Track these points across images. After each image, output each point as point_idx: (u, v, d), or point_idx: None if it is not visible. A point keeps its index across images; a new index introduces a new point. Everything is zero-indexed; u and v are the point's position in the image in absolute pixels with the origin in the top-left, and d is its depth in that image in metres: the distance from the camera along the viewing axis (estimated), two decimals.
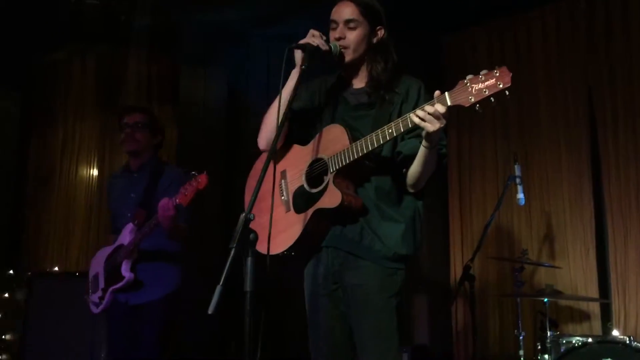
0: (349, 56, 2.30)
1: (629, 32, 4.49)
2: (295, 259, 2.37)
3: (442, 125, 2.00)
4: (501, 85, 1.88)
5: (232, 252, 1.75)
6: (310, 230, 2.23)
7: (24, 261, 5.62)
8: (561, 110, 4.78)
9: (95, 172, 5.74)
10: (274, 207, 2.28)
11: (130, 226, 3.22)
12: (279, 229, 2.27)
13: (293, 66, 2.26)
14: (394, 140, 2.23)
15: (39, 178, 5.85)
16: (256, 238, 1.82)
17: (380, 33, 2.34)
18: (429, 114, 1.99)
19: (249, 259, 1.79)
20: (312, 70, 2.24)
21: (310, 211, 2.22)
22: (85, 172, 5.74)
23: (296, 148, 2.40)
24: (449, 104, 1.98)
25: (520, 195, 3.91)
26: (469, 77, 1.94)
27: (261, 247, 2.06)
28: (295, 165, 2.34)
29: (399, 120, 2.07)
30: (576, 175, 4.64)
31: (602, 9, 4.64)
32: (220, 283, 1.71)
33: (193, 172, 2.90)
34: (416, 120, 2.01)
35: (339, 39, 2.28)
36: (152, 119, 3.49)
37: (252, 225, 1.82)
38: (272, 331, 2.16)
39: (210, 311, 1.69)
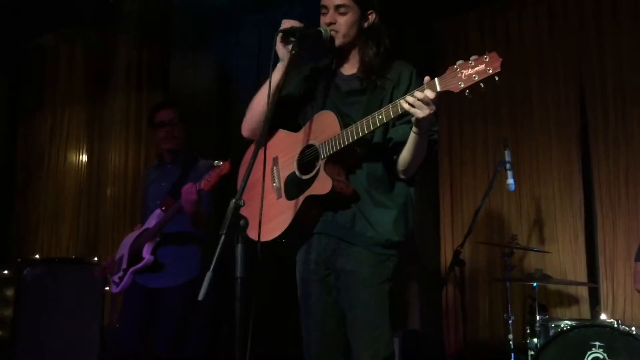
0: (339, 40, 2.28)
1: (620, 19, 4.50)
2: (288, 245, 2.37)
3: (431, 112, 1.99)
4: (491, 71, 1.88)
5: (222, 238, 1.75)
6: (301, 217, 2.23)
7: (13, 248, 5.60)
8: (552, 96, 4.79)
9: (84, 158, 5.71)
10: (266, 194, 2.28)
11: (157, 212, 3.30)
12: (271, 216, 2.26)
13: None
14: (386, 127, 2.23)
15: (28, 164, 5.81)
16: (246, 224, 1.82)
17: (372, 17, 2.32)
18: (418, 99, 1.98)
19: (239, 245, 1.80)
20: (304, 55, 2.23)
21: (301, 198, 2.21)
22: (74, 158, 5.71)
23: (287, 134, 2.39)
24: (438, 89, 1.97)
25: (510, 181, 3.93)
26: (459, 62, 1.94)
27: (253, 234, 2.08)
28: (287, 151, 2.33)
29: (389, 106, 2.06)
30: (566, 161, 4.66)
31: None
32: (210, 269, 1.71)
33: (217, 162, 3.01)
34: (406, 106, 2.00)
35: (329, 24, 2.27)
36: (181, 111, 3.56)
37: (244, 213, 1.82)
38: (264, 317, 2.16)
39: (200, 297, 1.70)
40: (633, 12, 4.44)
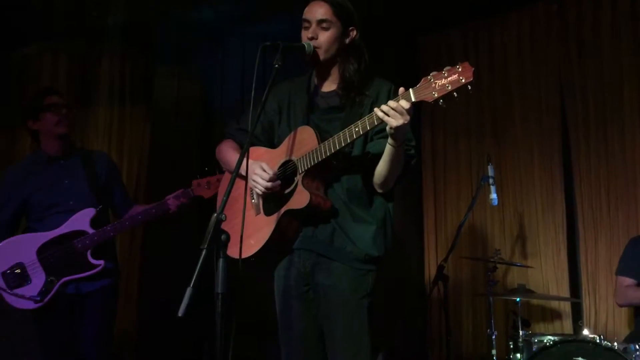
0: (321, 56, 2.29)
1: (601, 37, 4.56)
2: (269, 261, 2.35)
3: (405, 122, 2.01)
4: (463, 80, 1.91)
5: (203, 253, 1.73)
6: (280, 232, 2.22)
7: None
8: (534, 111, 4.83)
9: None
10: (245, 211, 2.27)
11: (89, 212, 3.13)
12: (250, 233, 2.26)
13: (267, 64, 2.24)
14: (364, 142, 2.24)
15: None
16: (228, 239, 1.81)
17: (353, 34, 2.34)
18: (392, 108, 2.00)
19: (221, 260, 1.78)
20: (286, 69, 2.23)
21: (279, 212, 2.21)
22: None
23: (266, 151, 2.40)
24: (413, 100, 2.00)
25: (494, 196, 3.96)
26: (433, 73, 1.98)
27: (231, 251, 2.06)
28: None
29: (365, 117, 2.08)
30: (548, 176, 4.69)
31: (574, 12, 4.70)
32: (191, 285, 1.69)
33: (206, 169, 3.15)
34: (380, 114, 2.02)
35: (311, 38, 2.28)
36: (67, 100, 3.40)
37: (224, 229, 1.81)
38: (245, 333, 2.13)
39: (180, 313, 1.67)
40: (614, 29, 4.50)
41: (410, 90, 2.01)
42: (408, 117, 2.01)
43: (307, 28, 2.30)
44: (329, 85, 2.37)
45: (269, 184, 2.21)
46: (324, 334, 2.23)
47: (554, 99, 4.75)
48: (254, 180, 2.24)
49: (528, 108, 4.86)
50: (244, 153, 2.01)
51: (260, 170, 2.23)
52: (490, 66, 5.08)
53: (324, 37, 2.28)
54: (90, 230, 3.11)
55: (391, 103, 2.01)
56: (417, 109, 2.20)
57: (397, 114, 2.00)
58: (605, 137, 4.47)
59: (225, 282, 1.77)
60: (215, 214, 1.81)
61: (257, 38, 4.99)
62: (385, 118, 2.01)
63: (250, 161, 2.29)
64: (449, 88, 1.92)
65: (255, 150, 2.38)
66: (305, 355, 2.26)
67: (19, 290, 3.08)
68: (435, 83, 1.95)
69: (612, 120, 4.46)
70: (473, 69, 1.91)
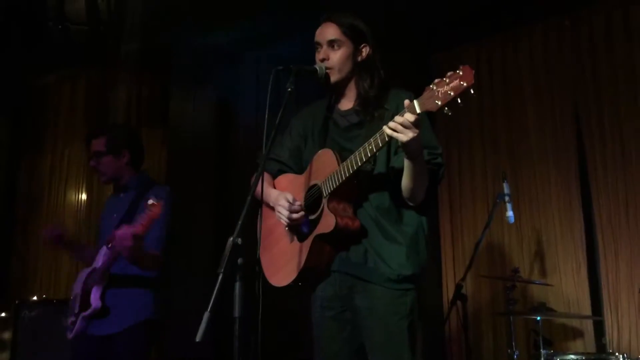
0: (334, 76, 2.31)
1: (614, 51, 4.54)
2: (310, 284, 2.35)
3: (415, 134, 1.95)
4: (465, 84, 1.84)
5: (220, 277, 1.73)
6: (314, 257, 2.22)
7: (12, 288, 5.56)
8: (549, 127, 4.81)
9: (84, 196, 5.71)
10: (279, 239, 2.30)
11: (104, 249, 3.07)
12: (286, 260, 2.28)
13: (281, 88, 2.26)
14: (387, 157, 2.23)
15: (28, 202, 5.81)
16: (244, 262, 1.81)
17: (366, 51, 2.35)
18: (399, 124, 1.96)
19: (237, 284, 1.78)
20: (303, 93, 2.26)
21: (310, 238, 2.21)
22: (74, 196, 5.71)
23: (294, 177, 2.43)
24: (418, 111, 1.94)
25: (510, 213, 3.93)
26: (436, 81, 1.92)
27: (273, 280, 2.22)
28: (295, 194, 2.34)
29: (377, 134, 2.05)
30: (565, 192, 4.65)
31: (586, 27, 4.69)
32: (208, 309, 1.69)
33: (150, 200, 2.78)
34: (388, 131, 1.98)
35: (323, 60, 2.30)
36: (112, 140, 3.25)
37: (263, 260, 1.83)
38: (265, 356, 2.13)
39: (197, 338, 1.67)
40: (627, 42, 4.49)
41: (415, 101, 1.96)
42: (417, 130, 1.96)
43: (318, 50, 2.33)
44: (347, 104, 2.38)
45: (293, 216, 2.23)
46: (357, 355, 2.21)
47: (568, 112, 4.73)
48: (279, 212, 2.26)
49: (543, 122, 4.84)
50: (258, 177, 2.00)
51: (284, 201, 2.25)
52: (504, 82, 5.08)
53: (335, 57, 2.29)
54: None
55: (397, 118, 1.96)
56: (431, 119, 2.19)
57: (404, 129, 1.95)
58: (622, 149, 4.43)
59: (242, 307, 1.77)
60: (231, 238, 1.81)
61: (272, 60, 5.08)
62: (394, 134, 1.97)
63: (276, 192, 2.34)
64: (452, 94, 1.86)
65: (282, 178, 2.43)
66: None
67: (68, 319, 3.11)
68: (438, 91, 1.89)
69: (629, 131, 4.41)
70: (473, 71, 1.85)
